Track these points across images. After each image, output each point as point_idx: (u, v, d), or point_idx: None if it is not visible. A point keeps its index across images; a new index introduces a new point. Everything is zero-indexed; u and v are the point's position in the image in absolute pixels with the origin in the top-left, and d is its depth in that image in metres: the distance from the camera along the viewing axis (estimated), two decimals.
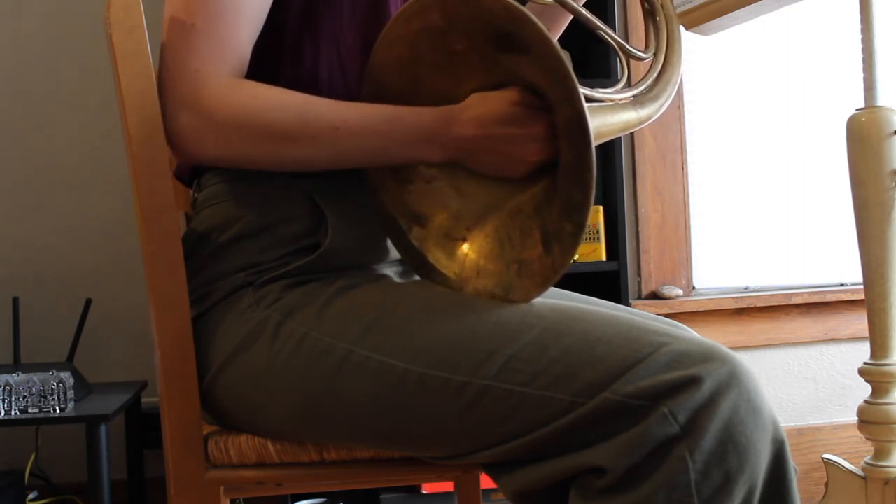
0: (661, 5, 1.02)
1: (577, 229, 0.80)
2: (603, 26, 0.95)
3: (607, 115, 0.88)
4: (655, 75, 0.97)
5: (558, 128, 0.84)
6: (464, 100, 0.89)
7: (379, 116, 0.89)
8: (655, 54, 0.99)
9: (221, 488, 1.04)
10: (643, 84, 0.95)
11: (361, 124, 0.88)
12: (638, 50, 0.98)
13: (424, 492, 1.90)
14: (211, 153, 0.90)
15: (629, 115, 0.90)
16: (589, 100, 0.87)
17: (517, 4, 0.79)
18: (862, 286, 1.56)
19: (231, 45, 0.89)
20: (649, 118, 0.93)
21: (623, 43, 0.97)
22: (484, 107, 0.87)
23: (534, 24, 0.78)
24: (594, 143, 0.78)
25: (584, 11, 0.94)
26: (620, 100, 0.90)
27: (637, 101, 0.92)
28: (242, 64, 0.91)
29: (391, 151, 0.90)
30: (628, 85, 0.93)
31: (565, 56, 0.79)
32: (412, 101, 0.90)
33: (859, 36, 1.54)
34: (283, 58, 0.96)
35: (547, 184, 0.87)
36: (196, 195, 1.01)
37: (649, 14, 1.03)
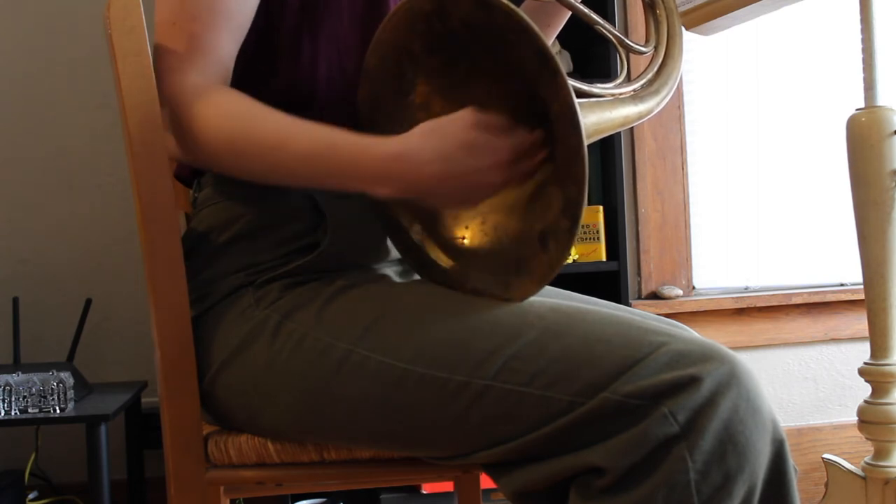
0: None
1: (573, 225, 0.80)
2: (601, 21, 0.95)
3: (606, 110, 0.88)
4: (656, 69, 0.97)
5: (551, 124, 0.84)
6: (458, 100, 0.87)
7: (319, 145, 0.84)
8: (656, 48, 0.99)
9: (221, 488, 1.04)
10: (643, 78, 0.94)
11: (300, 150, 0.84)
12: (637, 44, 0.97)
13: (424, 492, 1.90)
14: (181, 152, 0.92)
15: (629, 110, 0.90)
16: (588, 95, 0.87)
17: (507, 2, 0.79)
18: (862, 286, 1.56)
19: (209, 48, 0.90)
20: (650, 112, 0.93)
21: (622, 37, 0.97)
22: (438, 138, 0.82)
23: (523, 20, 0.78)
24: (587, 139, 0.78)
25: (582, 7, 0.94)
26: (620, 94, 0.90)
27: (637, 95, 0.92)
28: (223, 66, 0.91)
29: (330, 182, 0.86)
30: (628, 79, 0.93)
31: (559, 54, 0.79)
32: (407, 101, 0.89)
33: (859, 36, 1.54)
34: (282, 56, 0.96)
35: (544, 181, 0.87)
36: (196, 195, 1.01)
37: (649, 7, 1.03)
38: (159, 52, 0.90)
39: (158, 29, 0.91)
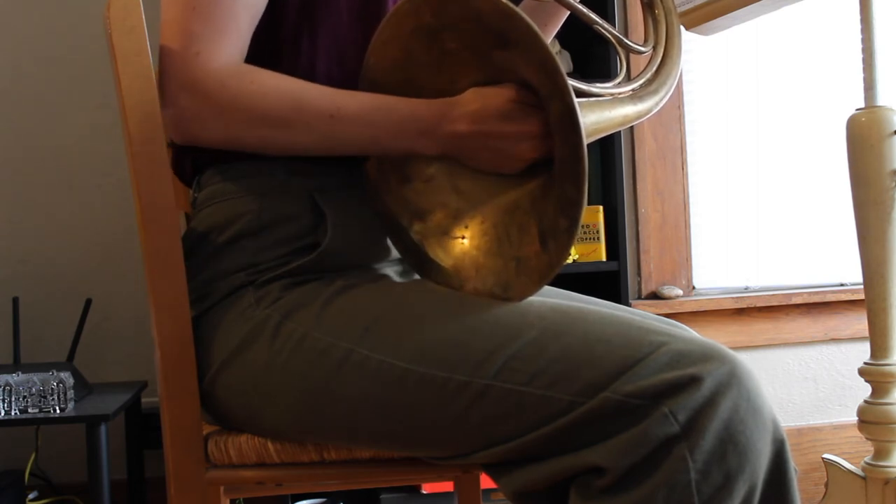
0: None
1: (572, 225, 0.80)
2: (600, 21, 0.95)
3: (605, 109, 0.88)
4: (655, 69, 0.97)
5: (551, 123, 0.84)
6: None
7: (373, 106, 0.89)
8: (654, 48, 0.99)
9: (221, 488, 1.04)
10: (642, 77, 0.95)
11: (355, 113, 0.89)
12: (636, 44, 0.98)
13: (424, 492, 1.90)
14: (208, 135, 0.91)
15: (628, 110, 0.90)
16: (587, 94, 0.87)
17: (506, 2, 0.79)
18: (862, 286, 1.56)
19: (229, 29, 0.90)
20: (649, 112, 0.93)
21: (621, 37, 0.97)
22: (479, 102, 0.87)
23: (523, 20, 0.78)
24: (586, 138, 0.78)
25: (581, 7, 0.94)
26: (619, 94, 0.90)
27: (636, 94, 0.92)
28: (241, 48, 0.92)
29: (384, 141, 0.90)
30: (627, 79, 0.93)
31: (559, 54, 0.79)
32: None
33: (859, 36, 1.54)
34: (282, 52, 0.96)
35: (543, 180, 0.87)
36: (196, 195, 1.01)
37: (648, 7, 1.03)
38: (177, 39, 0.89)
39: (171, 12, 0.90)
